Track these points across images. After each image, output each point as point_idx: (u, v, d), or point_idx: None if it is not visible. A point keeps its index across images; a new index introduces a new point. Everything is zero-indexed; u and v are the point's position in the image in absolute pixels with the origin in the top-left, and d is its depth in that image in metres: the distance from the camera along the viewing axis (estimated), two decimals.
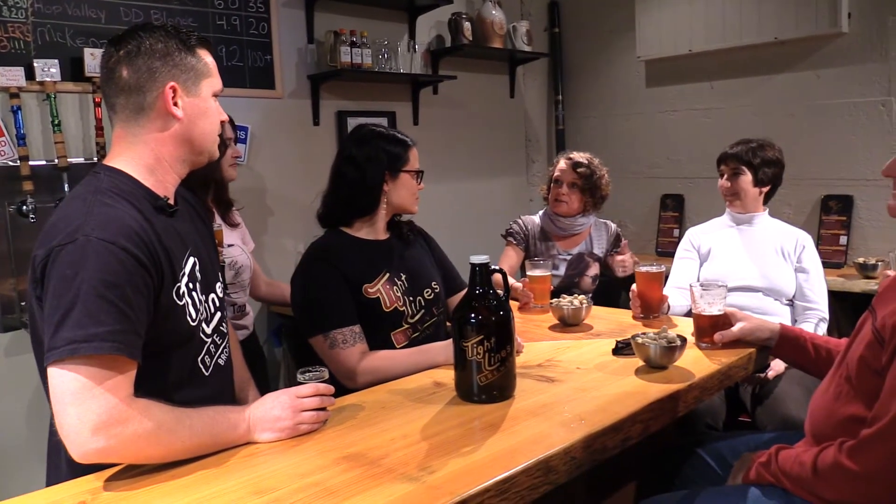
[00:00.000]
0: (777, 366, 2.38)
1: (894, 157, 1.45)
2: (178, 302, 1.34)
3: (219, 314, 1.52)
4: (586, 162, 2.93)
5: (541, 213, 3.05)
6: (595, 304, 2.85)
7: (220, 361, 1.52)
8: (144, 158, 1.36)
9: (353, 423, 1.45)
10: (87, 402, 1.14)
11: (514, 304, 2.59)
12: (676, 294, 2.53)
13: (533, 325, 2.29)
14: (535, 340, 2.08)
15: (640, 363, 1.75)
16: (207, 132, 1.41)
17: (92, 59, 2.63)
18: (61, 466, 1.31)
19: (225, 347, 1.55)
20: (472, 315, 1.52)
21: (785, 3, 3.47)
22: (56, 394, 1.16)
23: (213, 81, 1.41)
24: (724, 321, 1.89)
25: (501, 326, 1.52)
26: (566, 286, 2.90)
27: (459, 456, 1.26)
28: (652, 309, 2.26)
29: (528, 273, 2.59)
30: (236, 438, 1.33)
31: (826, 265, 3.35)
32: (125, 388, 1.18)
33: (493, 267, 1.58)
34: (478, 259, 1.56)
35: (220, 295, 1.55)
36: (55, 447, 1.33)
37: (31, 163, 2.55)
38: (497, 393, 1.54)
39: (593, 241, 2.99)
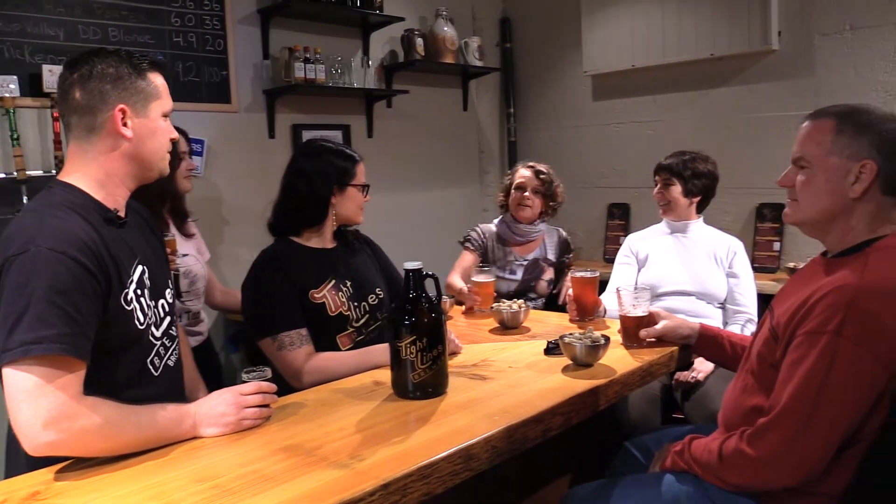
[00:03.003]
0: (705, 367, 2.54)
1: (788, 169, 1.60)
2: (126, 307, 1.43)
3: (168, 318, 1.61)
4: (546, 170, 3.10)
5: (496, 221, 3.18)
6: (549, 307, 3.01)
7: (170, 363, 1.61)
8: (95, 174, 1.46)
9: (294, 419, 1.55)
10: (39, 400, 1.24)
11: (458, 309, 2.72)
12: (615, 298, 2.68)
13: (475, 329, 2.41)
14: (475, 342, 2.21)
15: (569, 362, 1.89)
16: (156, 150, 1.51)
17: (50, 75, 2.71)
18: (20, 461, 1.39)
19: (174, 350, 1.64)
20: (406, 317, 1.64)
21: (720, 22, 3.66)
22: (10, 392, 1.25)
23: (163, 103, 1.51)
24: (648, 321, 2.02)
25: (433, 328, 1.64)
26: (523, 290, 3.03)
27: (389, 446, 1.38)
28: (587, 312, 2.40)
29: (473, 279, 2.72)
30: (182, 433, 1.42)
31: (760, 270, 3.55)
32: (74, 386, 1.28)
33: (426, 273, 1.70)
34: (411, 265, 1.68)
35: (170, 301, 1.64)
36: (13, 443, 1.40)
37: None
38: (430, 390, 1.65)
39: (547, 247, 3.13)
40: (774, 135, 3.60)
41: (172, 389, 1.62)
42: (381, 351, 1.91)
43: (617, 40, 4.10)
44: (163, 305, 1.59)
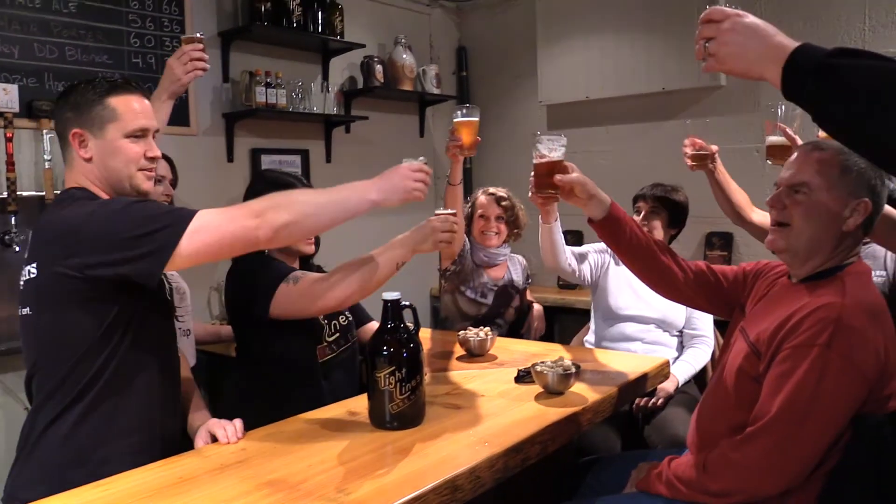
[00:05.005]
0: (665, 392, 2.61)
1: (778, 191, 1.64)
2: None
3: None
4: (506, 195, 3.08)
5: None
6: (508, 334, 3.03)
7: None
8: (100, 187, 1.62)
9: (272, 452, 1.53)
10: (233, 216, 1.49)
11: (424, 337, 2.72)
12: (567, 254, 2.76)
13: (441, 357, 2.42)
14: (443, 370, 2.21)
15: (540, 390, 1.91)
16: (119, 168, 1.61)
17: (4, 94, 2.63)
18: (32, 466, 1.52)
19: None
20: (385, 348, 1.63)
21: (670, 57, 3.81)
22: (218, 232, 1.47)
23: (121, 124, 1.60)
24: (563, 168, 1.92)
25: (411, 358, 1.64)
26: (493, 315, 3.02)
27: (374, 478, 1.37)
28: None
29: (456, 119, 2.43)
30: (368, 202, 1.67)
31: None
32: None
33: (403, 303, 1.71)
34: (389, 296, 1.68)
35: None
36: (26, 449, 1.54)
37: None
38: (408, 420, 1.65)
39: (513, 273, 3.15)
40: (726, 166, 3.72)
41: (177, 398, 1.74)
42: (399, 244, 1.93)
43: (571, 72, 4.21)
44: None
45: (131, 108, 1.60)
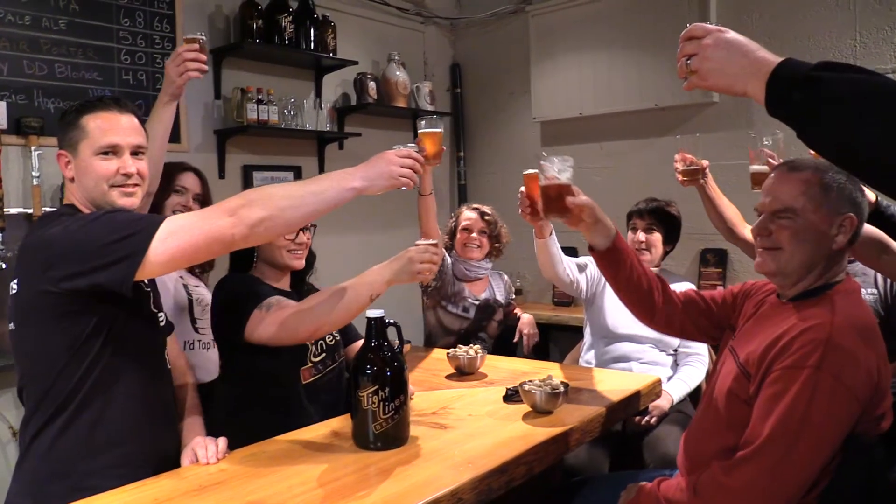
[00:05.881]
0: (659, 410, 2.57)
1: (761, 218, 1.62)
2: (144, 287, 1.64)
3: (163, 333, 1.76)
4: (490, 211, 3.14)
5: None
6: (496, 349, 3.01)
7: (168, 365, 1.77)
8: (84, 205, 1.63)
9: (253, 472, 1.50)
10: (207, 215, 1.46)
11: (413, 355, 2.69)
12: (565, 264, 2.70)
13: (430, 375, 2.39)
14: (432, 389, 2.19)
15: (528, 409, 1.88)
16: (91, 186, 1.61)
17: None
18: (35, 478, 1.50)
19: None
20: (368, 366, 1.61)
21: (663, 74, 3.80)
22: (191, 237, 1.43)
23: (91, 142, 1.59)
24: (571, 191, 1.86)
25: (395, 377, 1.62)
26: (475, 329, 3.04)
27: (354, 500, 1.35)
28: (539, 211, 2.19)
29: (421, 130, 2.35)
30: (351, 190, 1.58)
31: None
32: None
33: (387, 321, 1.68)
34: (373, 313, 1.66)
35: (162, 323, 1.75)
36: (27, 459, 1.53)
37: None
38: (392, 440, 1.62)
39: (495, 289, 3.16)
40: (718, 182, 3.70)
41: (169, 407, 1.73)
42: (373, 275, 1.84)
43: (565, 89, 4.21)
44: (161, 316, 1.73)
45: (101, 126, 1.60)
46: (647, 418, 2.57)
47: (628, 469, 2.54)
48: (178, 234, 1.42)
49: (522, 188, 2.27)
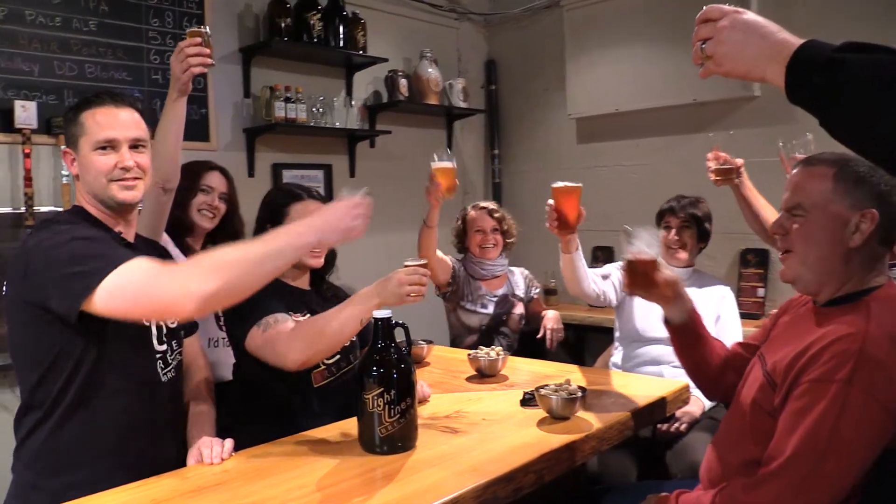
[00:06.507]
0: (688, 416, 2.47)
1: (779, 216, 1.53)
2: None
3: (167, 338, 1.69)
4: (497, 207, 3.11)
5: (462, 258, 3.14)
6: (522, 347, 2.96)
7: (164, 378, 1.67)
8: (86, 202, 1.63)
9: (254, 474, 1.48)
10: (159, 275, 1.38)
11: (437, 355, 2.64)
12: (590, 279, 2.60)
13: (451, 377, 2.34)
14: (450, 391, 2.14)
15: (545, 414, 1.82)
16: (91, 181, 1.60)
17: (23, 111, 2.66)
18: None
19: (171, 368, 1.70)
20: (374, 368, 1.57)
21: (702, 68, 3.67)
22: (136, 296, 1.38)
23: (88, 138, 1.58)
24: (657, 266, 1.78)
25: (402, 379, 1.57)
26: (495, 324, 3.00)
27: None
28: (568, 225, 2.24)
29: (434, 164, 2.57)
30: (307, 245, 1.50)
31: (745, 316, 3.50)
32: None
33: (395, 321, 1.64)
34: (380, 314, 1.62)
35: (173, 325, 1.72)
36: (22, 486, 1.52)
37: None
38: (398, 444, 1.58)
39: (514, 285, 3.12)
40: (757, 180, 3.56)
41: (169, 404, 1.67)
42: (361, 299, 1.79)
43: (601, 84, 4.11)
44: (163, 325, 1.69)
45: (97, 121, 1.59)
46: (676, 425, 2.47)
47: (656, 478, 2.46)
48: (125, 293, 1.37)
49: (551, 201, 2.23)
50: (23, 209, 2.69)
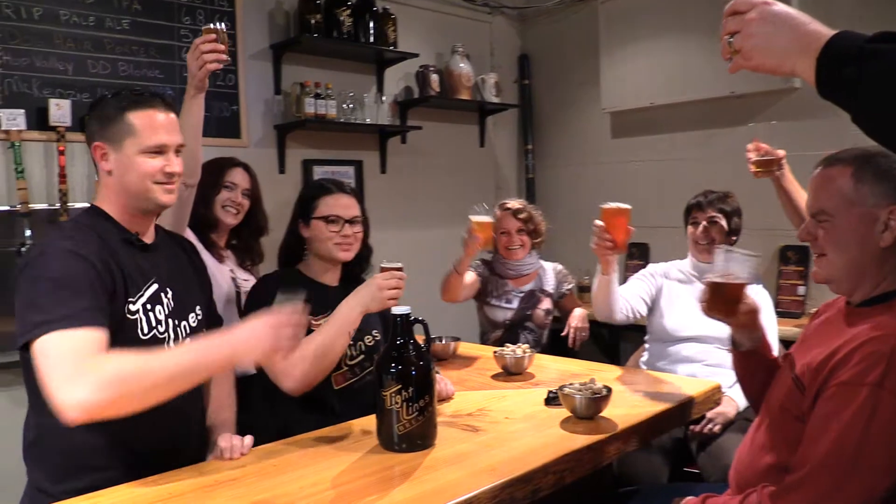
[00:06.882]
0: (722, 417, 2.40)
1: (806, 222, 1.47)
2: (129, 316, 1.52)
3: (189, 340, 1.66)
4: (522, 206, 3.03)
5: (490, 258, 3.11)
6: (552, 344, 2.91)
7: None
8: (109, 201, 1.61)
9: (271, 470, 1.48)
10: (61, 366, 1.31)
11: (463, 351, 2.62)
12: (623, 301, 2.55)
13: (476, 374, 2.32)
14: (474, 389, 2.11)
15: (569, 414, 1.78)
16: (134, 183, 1.58)
17: (57, 109, 2.70)
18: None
19: None
20: (392, 365, 1.55)
21: None
22: (39, 368, 1.33)
23: (138, 140, 1.57)
24: (745, 291, 1.65)
25: (420, 377, 1.55)
26: (520, 319, 2.97)
27: None
28: (616, 246, 2.21)
29: (473, 218, 2.61)
30: (221, 361, 1.45)
31: (784, 315, 3.41)
32: (95, 348, 1.36)
33: (414, 318, 1.62)
34: (399, 310, 1.60)
35: (194, 325, 1.71)
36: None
37: None
38: (417, 442, 1.56)
39: (543, 280, 3.07)
40: (798, 175, 3.46)
41: (184, 406, 1.60)
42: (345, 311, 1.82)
43: (635, 78, 4.03)
44: (185, 326, 1.67)
45: (149, 124, 1.57)
46: (709, 426, 2.40)
47: (688, 481, 2.40)
48: (40, 363, 1.33)
49: (598, 222, 2.20)
50: (58, 205, 2.74)
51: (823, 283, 1.47)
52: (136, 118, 1.57)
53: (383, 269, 1.85)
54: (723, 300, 1.63)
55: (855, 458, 1.22)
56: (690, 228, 2.73)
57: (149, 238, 1.66)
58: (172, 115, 1.63)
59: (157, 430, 1.53)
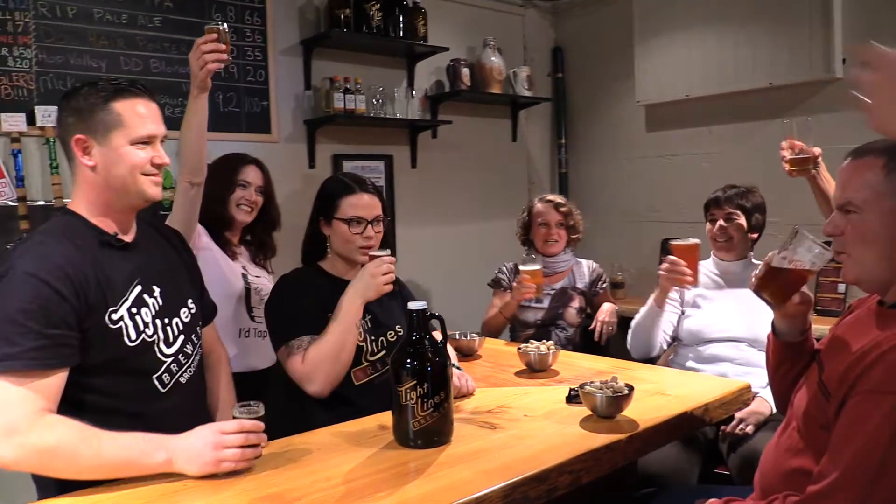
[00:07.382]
0: (754, 417, 2.34)
1: (832, 215, 1.40)
2: (111, 326, 1.48)
3: (182, 337, 1.64)
4: (564, 201, 3.05)
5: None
6: (584, 341, 2.88)
7: (182, 380, 1.63)
8: (88, 200, 1.55)
9: (285, 465, 1.48)
10: (6, 419, 1.28)
11: (488, 348, 2.60)
12: (662, 334, 2.55)
13: (499, 370, 2.30)
14: (497, 385, 2.09)
15: (589, 412, 1.75)
16: (122, 176, 1.53)
17: None
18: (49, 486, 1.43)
19: (189, 367, 1.66)
20: (408, 360, 1.54)
21: (779, 49, 3.48)
22: None
23: (126, 131, 1.52)
24: (804, 282, 1.55)
25: (436, 373, 1.54)
26: (551, 318, 2.95)
27: (372, 500, 1.28)
28: (695, 280, 2.34)
29: (522, 268, 2.73)
30: (155, 465, 1.38)
31: (824, 313, 3.32)
32: (37, 401, 1.33)
33: (430, 313, 1.61)
34: (415, 305, 1.59)
35: (187, 320, 1.67)
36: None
37: (28, 202, 2.67)
38: (433, 438, 1.55)
39: (576, 277, 3.05)
40: (837, 168, 3.37)
41: (185, 406, 1.62)
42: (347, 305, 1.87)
43: (671, 69, 3.95)
44: (176, 324, 1.64)
45: (137, 114, 1.53)
46: (741, 426, 2.34)
47: (717, 482, 2.34)
48: None
49: (673, 257, 2.31)
50: None
51: (854, 284, 1.40)
52: (123, 108, 1.52)
53: (371, 258, 1.90)
54: (777, 283, 1.52)
55: (879, 470, 1.17)
56: (708, 226, 2.67)
57: (130, 236, 1.60)
58: (156, 105, 1.60)
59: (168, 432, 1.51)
